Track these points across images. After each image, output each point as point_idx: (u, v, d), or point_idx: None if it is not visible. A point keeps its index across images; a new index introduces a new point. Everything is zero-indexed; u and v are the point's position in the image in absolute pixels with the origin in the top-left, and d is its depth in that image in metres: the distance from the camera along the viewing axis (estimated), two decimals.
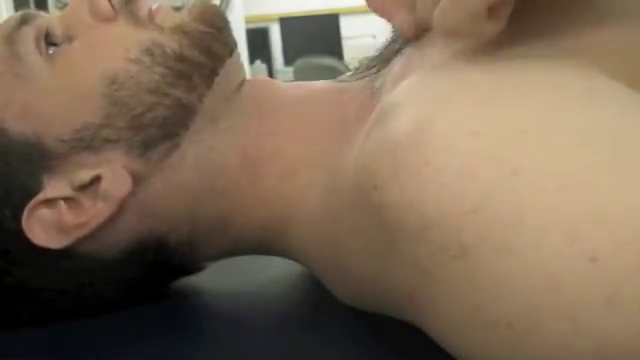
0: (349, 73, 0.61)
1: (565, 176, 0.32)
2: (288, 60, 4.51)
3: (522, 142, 0.33)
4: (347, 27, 4.53)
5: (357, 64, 0.58)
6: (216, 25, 0.52)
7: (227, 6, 3.03)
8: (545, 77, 0.38)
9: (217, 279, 0.58)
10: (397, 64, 0.49)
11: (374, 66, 0.53)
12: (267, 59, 4.63)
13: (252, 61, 4.28)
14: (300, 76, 3.75)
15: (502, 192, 0.32)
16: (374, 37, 3.71)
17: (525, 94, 0.37)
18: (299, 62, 3.86)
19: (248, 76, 0.56)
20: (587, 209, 0.30)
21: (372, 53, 0.56)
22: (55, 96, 0.49)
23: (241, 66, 0.54)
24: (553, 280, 0.30)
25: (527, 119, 0.34)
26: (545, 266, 0.30)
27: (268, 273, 0.59)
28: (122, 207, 0.48)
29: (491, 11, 0.37)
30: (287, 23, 4.63)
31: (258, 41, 4.50)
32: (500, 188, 0.32)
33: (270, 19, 4.68)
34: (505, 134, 0.34)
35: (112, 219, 0.48)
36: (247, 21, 3.84)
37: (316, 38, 4.51)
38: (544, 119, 0.34)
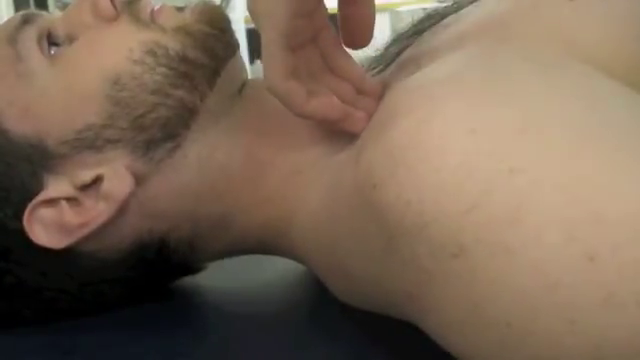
0: None
1: (563, 175, 0.32)
2: None
3: (520, 141, 0.33)
4: None
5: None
6: (219, 26, 0.51)
7: (227, 6, 3.02)
8: (542, 76, 0.38)
9: (217, 278, 0.58)
10: (395, 67, 0.49)
11: (374, 68, 0.53)
12: None
13: (252, 61, 4.26)
14: None
15: (499, 191, 0.32)
16: (374, 37, 3.69)
17: (522, 93, 0.37)
18: None
19: (249, 76, 0.55)
20: (585, 209, 0.30)
21: (371, 53, 0.56)
22: (57, 96, 0.48)
23: (243, 67, 0.54)
24: (551, 279, 0.30)
25: (525, 118, 0.35)
26: (543, 265, 0.30)
27: (268, 273, 0.59)
28: (123, 207, 0.48)
29: None
30: None
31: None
32: (497, 186, 0.32)
33: None
34: (502, 132, 0.34)
35: (113, 219, 0.48)
36: (247, 21, 3.83)
37: None
38: (542, 118, 0.35)
